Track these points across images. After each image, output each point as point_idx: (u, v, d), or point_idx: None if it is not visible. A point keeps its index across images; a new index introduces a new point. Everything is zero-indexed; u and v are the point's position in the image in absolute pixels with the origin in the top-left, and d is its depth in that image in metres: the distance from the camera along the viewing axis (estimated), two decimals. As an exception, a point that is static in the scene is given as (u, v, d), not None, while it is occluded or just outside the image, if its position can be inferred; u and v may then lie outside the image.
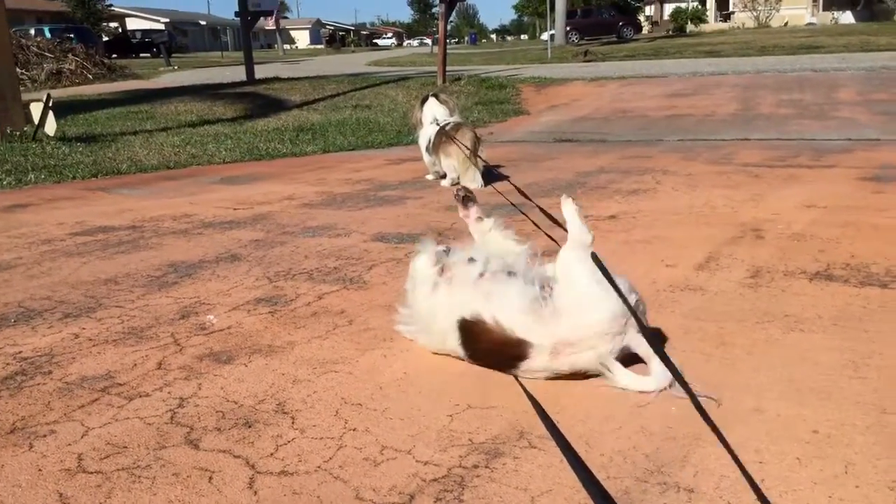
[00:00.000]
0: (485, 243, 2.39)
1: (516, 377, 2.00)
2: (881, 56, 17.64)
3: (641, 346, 2.02)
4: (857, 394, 1.93)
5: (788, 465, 1.62)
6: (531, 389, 1.99)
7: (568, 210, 2.22)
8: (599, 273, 1.99)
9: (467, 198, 2.47)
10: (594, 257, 2.04)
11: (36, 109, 8.77)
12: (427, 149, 5.62)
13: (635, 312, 1.95)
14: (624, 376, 1.98)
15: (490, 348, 2.08)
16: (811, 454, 1.66)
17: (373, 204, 4.91)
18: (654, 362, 1.97)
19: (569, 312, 2.00)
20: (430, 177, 5.82)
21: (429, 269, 2.30)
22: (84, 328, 2.67)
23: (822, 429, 1.76)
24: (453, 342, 2.16)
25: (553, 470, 1.64)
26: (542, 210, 2.59)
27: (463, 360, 2.18)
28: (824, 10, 48.12)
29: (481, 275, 2.16)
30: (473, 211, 2.47)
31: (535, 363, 2.03)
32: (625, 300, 1.92)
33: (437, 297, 2.23)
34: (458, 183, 5.40)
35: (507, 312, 2.04)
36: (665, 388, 1.94)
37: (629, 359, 2.05)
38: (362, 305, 2.83)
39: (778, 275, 2.97)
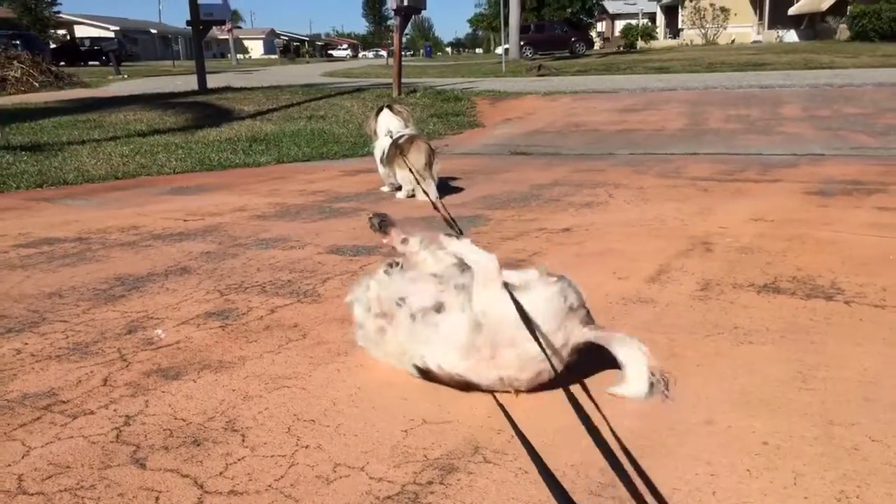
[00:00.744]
0: (416, 264, 2.32)
1: (491, 392, 2.00)
2: (824, 73, 18.22)
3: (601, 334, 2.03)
4: (805, 405, 1.97)
5: (739, 476, 1.64)
6: (487, 401, 1.99)
7: (458, 247, 2.09)
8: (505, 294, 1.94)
9: (383, 223, 2.41)
10: (505, 286, 1.97)
11: (-22, 117, 8.52)
12: (381, 160, 5.60)
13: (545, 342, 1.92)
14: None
15: (451, 384, 2.07)
16: (761, 466, 1.68)
17: (327, 216, 4.87)
18: (629, 368, 1.99)
19: (505, 346, 1.96)
20: (385, 188, 5.80)
21: (368, 318, 2.28)
22: (27, 343, 2.59)
23: (771, 440, 1.79)
24: (415, 371, 2.16)
25: (507, 485, 1.63)
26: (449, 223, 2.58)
27: None
28: (769, 28, 49.40)
29: (412, 317, 2.12)
30: (394, 234, 2.40)
31: (490, 385, 2.03)
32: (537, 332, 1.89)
33: (387, 340, 2.22)
34: (413, 195, 5.39)
35: (448, 360, 2.02)
36: (644, 393, 1.97)
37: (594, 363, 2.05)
38: (316, 319, 2.79)
39: (727, 287, 3.02)
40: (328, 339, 2.57)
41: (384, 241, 2.43)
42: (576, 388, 1.77)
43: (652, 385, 1.97)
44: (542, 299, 1.97)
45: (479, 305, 1.98)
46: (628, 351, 2.00)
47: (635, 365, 1.99)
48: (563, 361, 1.98)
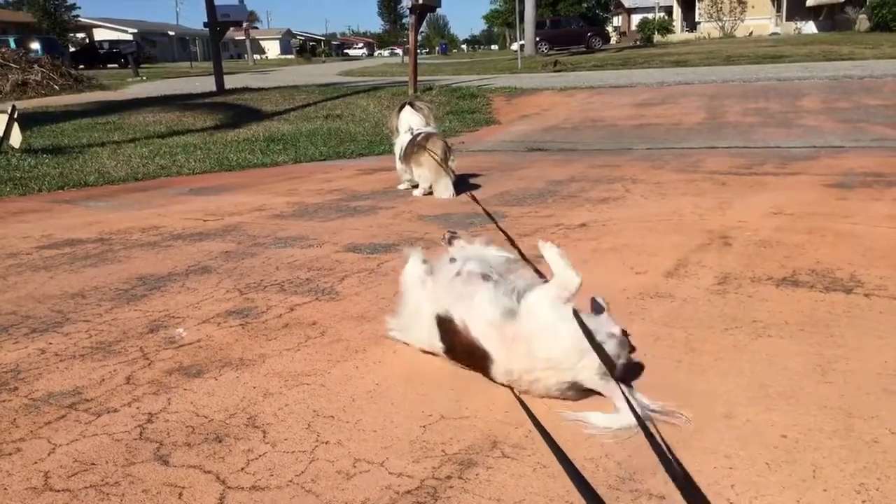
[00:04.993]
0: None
1: (511, 388, 2.01)
2: (843, 65, 18.01)
3: (607, 388, 1.94)
4: (824, 398, 1.96)
5: (758, 470, 1.64)
6: (504, 396, 2.00)
7: (549, 253, 2.06)
8: (567, 312, 1.93)
9: (454, 237, 2.48)
10: (575, 314, 1.94)
11: (0, 121, 8.63)
12: (400, 157, 5.62)
13: (605, 353, 1.90)
14: (592, 416, 1.90)
15: (462, 348, 2.11)
16: (780, 459, 1.68)
17: (344, 214, 4.90)
18: (618, 401, 1.89)
19: (528, 341, 1.96)
20: (402, 186, 5.82)
21: (418, 268, 2.35)
22: (51, 343, 2.63)
23: (790, 434, 1.79)
24: (434, 337, 2.20)
25: (526, 479, 1.64)
26: (501, 230, 2.59)
27: (444, 358, 2.21)
28: (788, 20, 48.96)
29: (458, 273, 2.19)
30: (461, 244, 2.46)
31: (496, 375, 2.05)
32: (597, 345, 1.88)
33: (423, 293, 2.28)
34: (430, 192, 5.41)
35: (474, 319, 2.06)
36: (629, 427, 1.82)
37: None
38: (334, 317, 2.81)
39: (745, 281, 3.01)
40: (346, 336, 2.59)
41: (450, 252, 2.44)
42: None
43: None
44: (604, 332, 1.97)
45: (534, 301, 1.98)
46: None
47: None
48: (578, 387, 1.97)
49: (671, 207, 4.58)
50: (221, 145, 9.33)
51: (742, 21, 48.70)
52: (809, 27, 46.21)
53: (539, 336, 1.94)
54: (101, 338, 2.67)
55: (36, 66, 21.64)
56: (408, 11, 14.43)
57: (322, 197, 5.67)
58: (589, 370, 1.92)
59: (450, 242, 2.47)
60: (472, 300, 2.09)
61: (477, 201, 3.51)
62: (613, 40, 53.97)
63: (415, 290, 2.33)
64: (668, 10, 59.25)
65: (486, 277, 2.14)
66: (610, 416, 1.86)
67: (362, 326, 2.68)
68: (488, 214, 3.23)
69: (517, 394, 1.94)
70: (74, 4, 65.02)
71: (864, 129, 8.39)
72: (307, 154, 8.57)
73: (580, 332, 1.89)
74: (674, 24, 54.40)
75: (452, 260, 2.27)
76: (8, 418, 2.04)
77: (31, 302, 3.15)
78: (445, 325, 2.15)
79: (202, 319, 2.84)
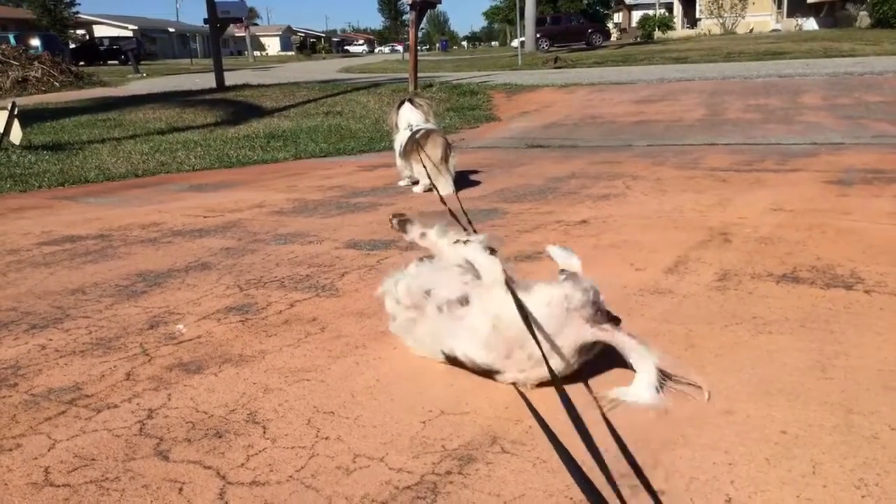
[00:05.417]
0: (440, 255, 2.35)
1: (514, 384, 2.01)
2: (844, 61, 17.99)
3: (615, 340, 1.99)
4: (824, 394, 1.96)
5: (757, 465, 1.64)
6: (504, 392, 2.00)
7: (465, 251, 2.15)
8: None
9: (402, 222, 2.45)
10: (509, 287, 1.99)
11: (0, 118, 8.63)
12: (400, 154, 5.62)
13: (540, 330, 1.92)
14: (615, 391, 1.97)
15: (477, 372, 2.10)
16: (780, 455, 1.68)
17: (345, 211, 4.90)
18: (642, 374, 1.94)
19: (516, 347, 1.98)
20: (402, 183, 5.81)
21: (398, 310, 2.33)
22: (51, 339, 2.63)
23: (790, 429, 1.79)
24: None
25: (525, 475, 1.64)
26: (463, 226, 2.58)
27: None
28: (788, 16, 48.93)
29: (439, 309, 2.17)
30: (415, 230, 2.43)
31: (509, 378, 2.05)
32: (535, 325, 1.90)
33: (419, 330, 2.26)
34: (430, 189, 5.40)
35: (471, 351, 2.06)
36: (653, 398, 1.91)
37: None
38: (334, 313, 2.81)
39: (745, 278, 3.01)
40: (346, 332, 2.60)
41: (406, 238, 2.45)
42: (593, 381, 1.77)
43: (657, 390, 1.93)
44: (542, 302, 1.97)
45: (490, 307, 2.01)
46: (638, 357, 1.97)
47: (645, 373, 1.95)
48: (565, 361, 1.98)
49: (671, 204, 4.57)
50: (221, 142, 9.33)
51: (743, 17, 48.67)
52: (810, 24, 46.18)
53: (520, 336, 1.94)
54: (101, 334, 2.67)
55: (36, 63, 21.61)
56: (408, 8, 14.42)
57: (322, 193, 5.66)
58: (580, 325, 1.97)
59: (403, 229, 2.44)
60: (460, 335, 2.09)
61: (454, 200, 3.51)
62: (614, 37, 53.94)
63: (406, 325, 2.32)
64: (669, 7, 59.20)
65: (462, 303, 2.11)
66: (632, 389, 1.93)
67: (362, 322, 2.68)
68: (465, 216, 3.22)
69: (520, 390, 1.94)
70: (74, 1, 64.94)
71: (865, 126, 8.38)
72: (307, 151, 8.57)
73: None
74: (674, 20, 54.38)
75: (427, 293, 2.22)
76: (8, 414, 2.04)
77: (31, 298, 3.16)
78: (454, 360, 2.14)
79: (202, 315, 2.84)
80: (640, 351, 1.97)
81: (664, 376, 1.95)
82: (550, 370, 1.82)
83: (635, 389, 1.94)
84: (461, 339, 2.09)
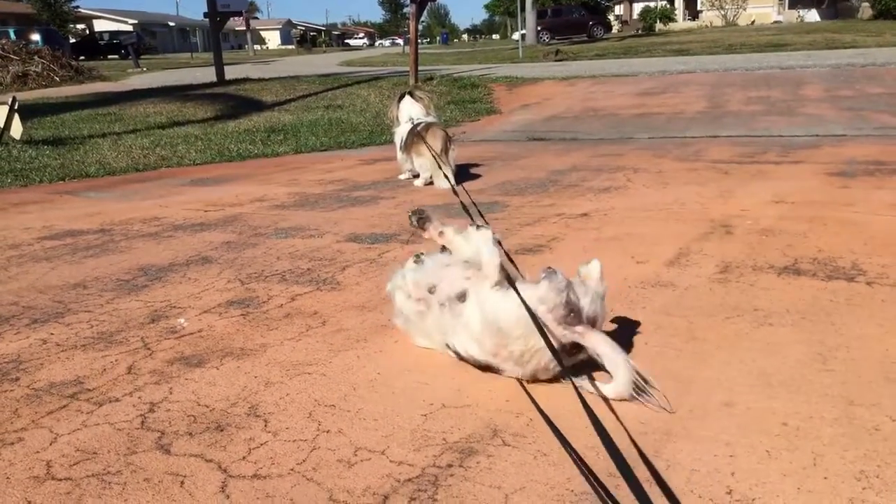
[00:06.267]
0: (455, 250, 2.35)
1: (519, 380, 2.02)
2: (846, 53, 17.95)
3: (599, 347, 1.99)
4: (825, 386, 1.96)
5: (758, 457, 1.64)
6: (504, 385, 2.00)
7: (476, 239, 2.19)
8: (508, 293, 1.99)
9: (422, 220, 2.44)
10: (510, 282, 2.03)
11: (1, 113, 8.62)
12: (400, 147, 5.61)
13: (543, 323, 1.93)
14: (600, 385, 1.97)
15: (481, 368, 2.11)
16: (781, 447, 1.68)
17: (346, 204, 4.89)
18: (620, 371, 1.93)
19: (509, 335, 1.99)
20: (403, 176, 5.81)
21: (407, 304, 2.34)
22: (52, 333, 2.63)
23: (791, 421, 1.79)
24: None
25: (526, 467, 1.64)
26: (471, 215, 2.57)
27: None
28: (790, 8, 48.80)
29: (441, 305, 2.19)
30: (433, 228, 2.42)
31: (510, 373, 2.05)
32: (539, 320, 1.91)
33: (426, 322, 2.28)
34: (431, 182, 5.40)
35: (469, 348, 2.09)
36: (625, 396, 1.90)
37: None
38: (335, 306, 2.81)
39: (747, 270, 3.00)
40: (347, 325, 2.60)
41: (424, 235, 2.44)
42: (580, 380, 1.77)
43: (637, 388, 1.91)
44: (516, 304, 1.97)
45: (481, 305, 2.04)
46: (610, 357, 1.96)
47: (621, 372, 1.93)
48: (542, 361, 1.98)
49: (673, 196, 4.57)
50: (222, 136, 9.32)
51: (744, 9, 48.50)
52: (812, 15, 46.06)
53: (521, 324, 1.95)
54: (102, 328, 2.67)
55: (36, 58, 21.56)
56: (409, 1, 14.38)
57: (323, 187, 5.66)
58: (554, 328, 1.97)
59: (422, 227, 2.43)
60: (459, 332, 2.11)
61: (462, 192, 3.51)
62: (615, 29, 53.76)
63: (416, 330, 2.34)
64: (670, -1, 59.05)
65: (461, 299, 2.13)
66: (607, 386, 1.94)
67: (363, 316, 2.68)
68: (470, 208, 3.22)
69: (523, 382, 1.94)
70: (74, -5, 64.79)
71: (867, 118, 8.36)
72: (308, 144, 8.56)
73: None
74: (676, 12, 54.23)
75: (431, 290, 2.24)
76: (10, 408, 2.05)
77: (32, 292, 3.16)
78: (458, 355, 2.15)
79: (203, 309, 2.84)
80: (612, 352, 1.95)
81: (641, 378, 1.93)
82: (560, 362, 1.83)
83: (615, 386, 1.93)
84: (459, 334, 2.12)
